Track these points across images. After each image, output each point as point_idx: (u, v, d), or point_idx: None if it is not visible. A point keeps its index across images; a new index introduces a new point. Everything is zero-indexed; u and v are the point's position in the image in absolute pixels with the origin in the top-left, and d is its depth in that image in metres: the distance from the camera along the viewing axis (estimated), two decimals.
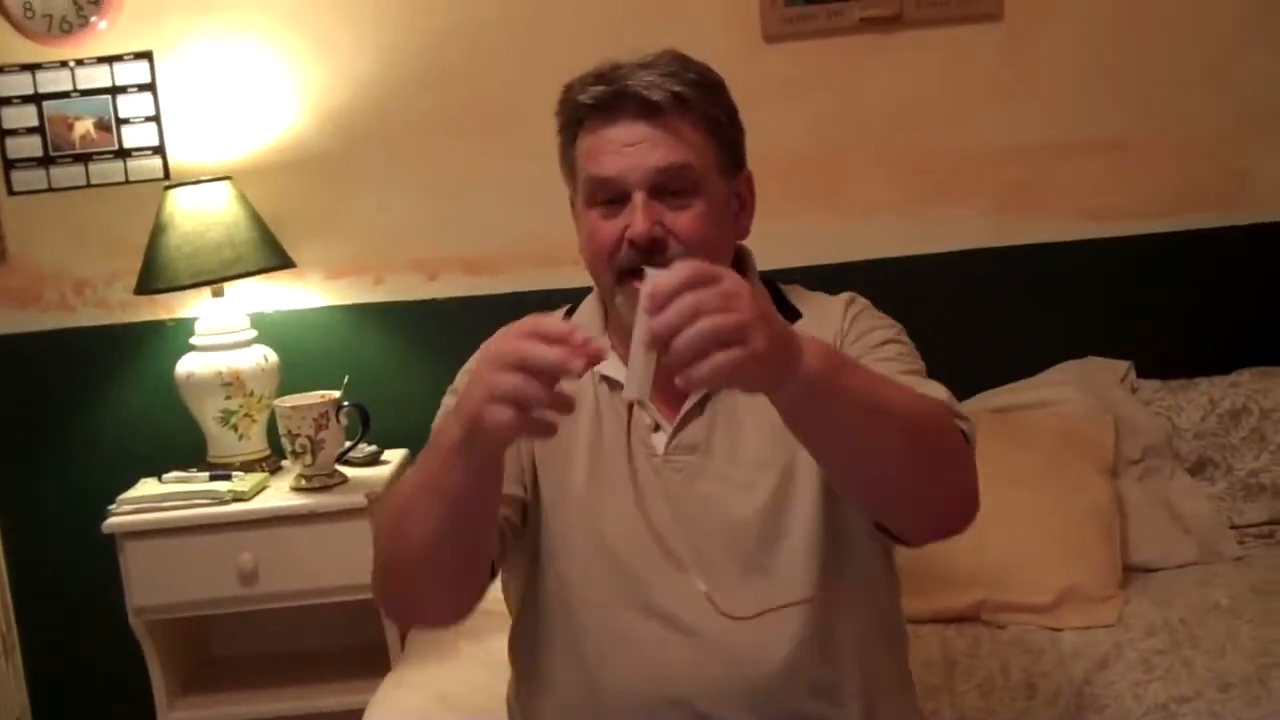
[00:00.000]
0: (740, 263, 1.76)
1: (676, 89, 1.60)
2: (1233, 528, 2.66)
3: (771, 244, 1.84)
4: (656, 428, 1.69)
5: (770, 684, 1.60)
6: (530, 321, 1.25)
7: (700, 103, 1.63)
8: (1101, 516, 2.55)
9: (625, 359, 1.65)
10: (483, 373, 1.25)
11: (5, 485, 3.10)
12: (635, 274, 1.58)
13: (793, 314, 1.74)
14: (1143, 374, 2.87)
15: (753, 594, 1.60)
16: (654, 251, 1.59)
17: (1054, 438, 2.65)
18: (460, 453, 1.32)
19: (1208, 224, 2.95)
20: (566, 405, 1.25)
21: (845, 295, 1.78)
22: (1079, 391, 2.78)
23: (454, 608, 1.57)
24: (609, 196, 1.62)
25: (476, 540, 1.48)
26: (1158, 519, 2.64)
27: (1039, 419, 2.71)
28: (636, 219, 1.59)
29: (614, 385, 1.71)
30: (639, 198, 1.60)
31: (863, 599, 1.66)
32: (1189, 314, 2.96)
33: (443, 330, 2.91)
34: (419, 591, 1.53)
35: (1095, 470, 2.62)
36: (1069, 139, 2.94)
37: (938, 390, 1.58)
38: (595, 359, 1.24)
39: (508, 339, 1.24)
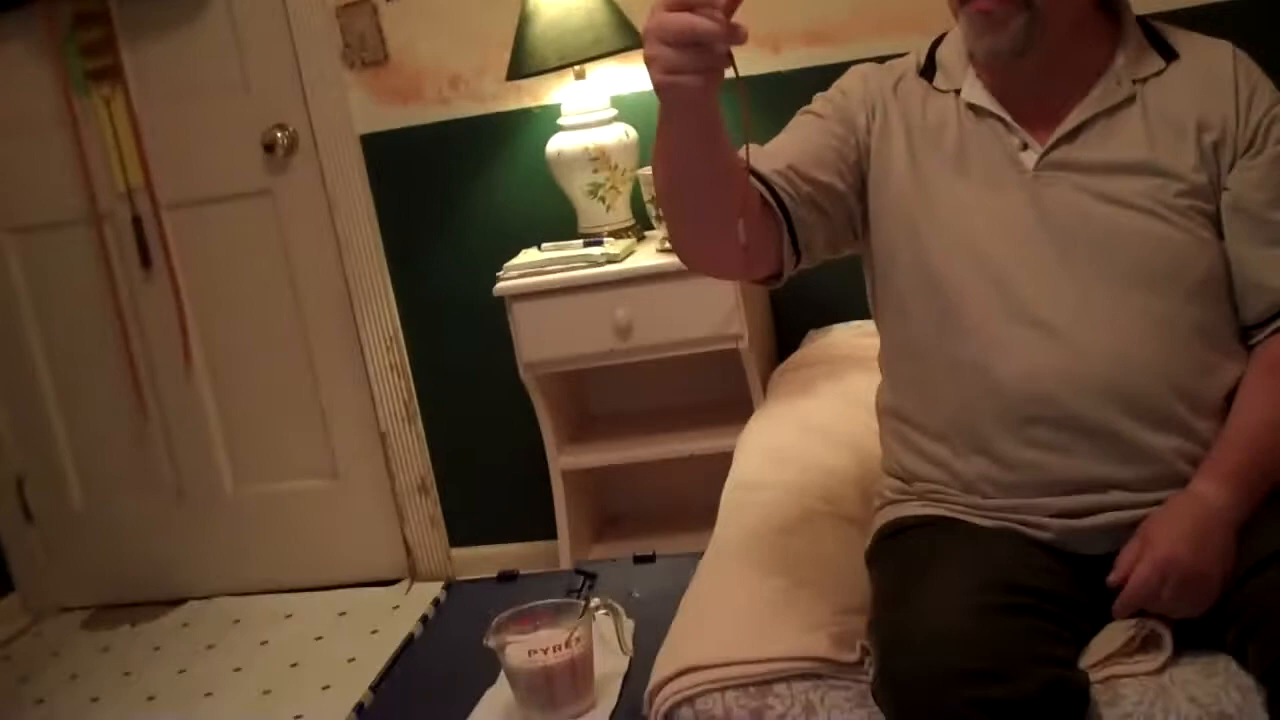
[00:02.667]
0: (1111, 1, 1.81)
1: None
2: None
3: None
4: (1024, 147, 1.77)
5: (1137, 383, 1.68)
6: None
7: None
8: None
9: (988, 84, 1.78)
10: (647, 45, 1.44)
11: (400, 264, 3.42)
12: None
13: (1169, 53, 1.79)
14: None
15: (1117, 304, 1.70)
16: None
17: None
18: (663, 113, 1.55)
19: None
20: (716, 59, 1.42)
21: (1229, 46, 1.81)
22: None
23: (718, 254, 1.75)
24: None
25: (704, 184, 1.63)
26: None
27: None
28: None
29: (979, 112, 1.80)
30: None
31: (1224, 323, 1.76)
32: None
33: (787, 102, 3.02)
34: (676, 231, 1.75)
35: None
36: None
37: None
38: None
39: (655, 13, 1.42)
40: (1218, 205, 1.75)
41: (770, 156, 1.77)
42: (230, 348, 3.62)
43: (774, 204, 1.74)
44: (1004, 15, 1.69)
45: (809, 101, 1.92)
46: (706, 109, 1.52)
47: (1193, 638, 1.63)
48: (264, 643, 3.41)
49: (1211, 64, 1.78)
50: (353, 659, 3.18)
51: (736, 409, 2.91)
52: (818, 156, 1.80)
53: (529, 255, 3.08)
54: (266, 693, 3.15)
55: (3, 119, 3.57)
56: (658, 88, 1.46)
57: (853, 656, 1.70)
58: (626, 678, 1.95)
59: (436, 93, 3.30)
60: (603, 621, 1.98)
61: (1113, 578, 1.61)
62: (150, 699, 3.22)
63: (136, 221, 3.53)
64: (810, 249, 1.79)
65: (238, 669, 3.29)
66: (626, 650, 1.97)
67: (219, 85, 3.44)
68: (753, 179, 1.71)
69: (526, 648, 1.85)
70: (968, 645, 1.50)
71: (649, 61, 1.44)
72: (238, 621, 3.55)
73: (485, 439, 3.47)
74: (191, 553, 3.74)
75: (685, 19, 1.40)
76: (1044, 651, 1.55)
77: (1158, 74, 1.78)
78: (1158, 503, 1.66)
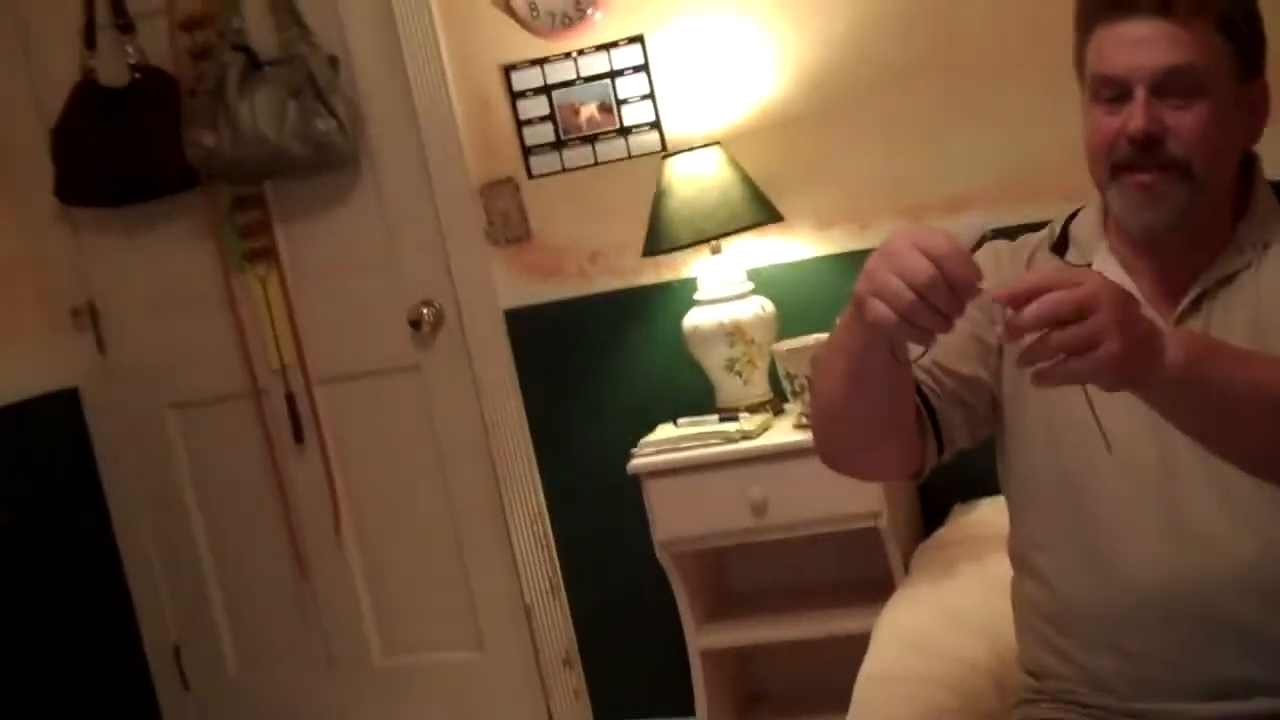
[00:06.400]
0: (1247, 169, 1.76)
1: None
2: None
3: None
4: None
5: (1266, 573, 1.60)
6: (930, 236, 1.35)
7: (1220, 2, 1.62)
8: None
9: (1121, 260, 1.73)
10: (876, 262, 1.38)
11: (543, 438, 3.44)
12: (1131, 169, 1.64)
13: None
14: None
15: (1256, 490, 1.61)
16: (1151, 149, 1.62)
17: None
18: (855, 321, 1.47)
19: None
20: (941, 324, 1.36)
21: None
22: None
23: (875, 462, 1.74)
24: (1113, 94, 1.65)
25: (880, 398, 1.59)
26: None
27: None
28: (1135, 115, 1.62)
29: None
30: (1140, 94, 1.62)
31: None
32: None
33: None
34: (835, 440, 1.70)
35: None
36: None
37: None
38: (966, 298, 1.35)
39: (903, 240, 1.36)
40: None
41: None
42: (379, 520, 3.67)
43: (920, 403, 1.71)
44: (1165, 189, 1.64)
45: None
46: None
47: None
48: None
49: None
50: None
51: (878, 587, 2.84)
52: (960, 348, 1.75)
53: (665, 430, 3.07)
54: None
55: (169, 296, 3.72)
56: (859, 302, 1.41)
57: None
58: None
59: (577, 268, 3.35)
60: None
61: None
62: None
63: (290, 397, 3.62)
64: (953, 443, 1.76)
65: None
66: None
67: (367, 263, 3.53)
68: None
69: None
70: None
71: (869, 269, 1.40)
72: None
73: (627, 614, 3.44)
74: (338, 718, 3.75)
75: (929, 275, 1.35)
76: None
77: None
78: None
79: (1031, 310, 1.34)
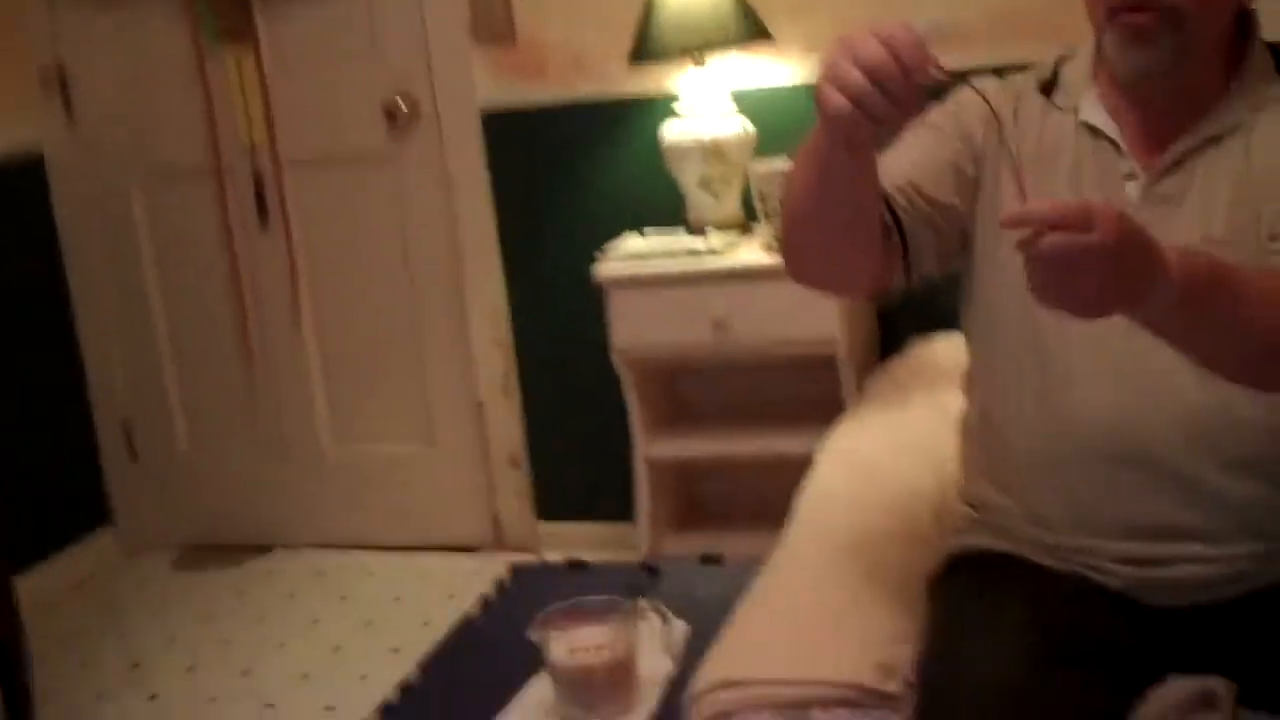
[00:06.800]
0: (1244, 27, 1.73)
1: None
2: None
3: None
4: (1131, 176, 1.71)
5: (1230, 430, 1.62)
6: (885, 26, 1.35)
7: None
8: None
9: (1110, 108, 1.72)
10: (833, 52, 1.36)
11: (510, 240, 3.44)
12: (1127, 9, 1.62)
13: None
14: None
15: (1176, 356, 1.59)
16: None
17: None
18: (819, 120, 1.45)
19: None
20: (894, 112, 1.35)
21: None
22: None
23: (839, 275, 1.73)
24: None
25: (844, 201, 1.58)
26: None
27: None
28: None
29: (1096, 133, 1.74)
30: None
31: None
32: None
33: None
34: (801, 249, 1.69)
35: None
36: None
37: None
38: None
39: (859, 31, 1.35)
40: None
41: (889, 172, 1.71)
42: (339, 309, 3.67)
43: (891, 222, 1.71)
44: (1157, 32, 1.62)
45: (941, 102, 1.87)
46: (873, 137, 1.47)
47: (1253, 698, 1.58)
48: (343, 598, 3.47)
49: None
50: (426, 623, 3.21)
51: (830, 412, 2.84)
52: (937, 174, 1.75)
53: (633, 241, 3.07)
54: (337, 649, 3.20)
55: (141, 67, 3.65)
56: (819, 98, 1.40)
57: (895, 688, 1.67)
58: (673, 682, 1.93)
59: (559, 72, 3.31)
60: (653, 623, 1.97)
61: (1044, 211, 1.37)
62: (225, 643, 3.29)
63: (257, 178, 3.59)
64: (920, 266, 1.76)
65: (315, 621, 3.35)
66: (672, 656, 1.96)
67: (347, 51, 3.48)
68: None
69: (568, 644, 1.84)
70: (1015, 698, 1.47)
71: (825, 64, 1.38)
72: (321, 574, 3.62)
73: (579, 419, 3.48)
74: (285, 503, 3.81)
75: (889, 65, 1.34)
76: (1096, 706, 1.51)
77: (1276, 102, 1.70)
78: (1234, 558, 1.61)
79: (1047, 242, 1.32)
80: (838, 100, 1.36)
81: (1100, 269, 1.32)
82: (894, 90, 1.34)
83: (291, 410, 3.76)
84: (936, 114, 1.84)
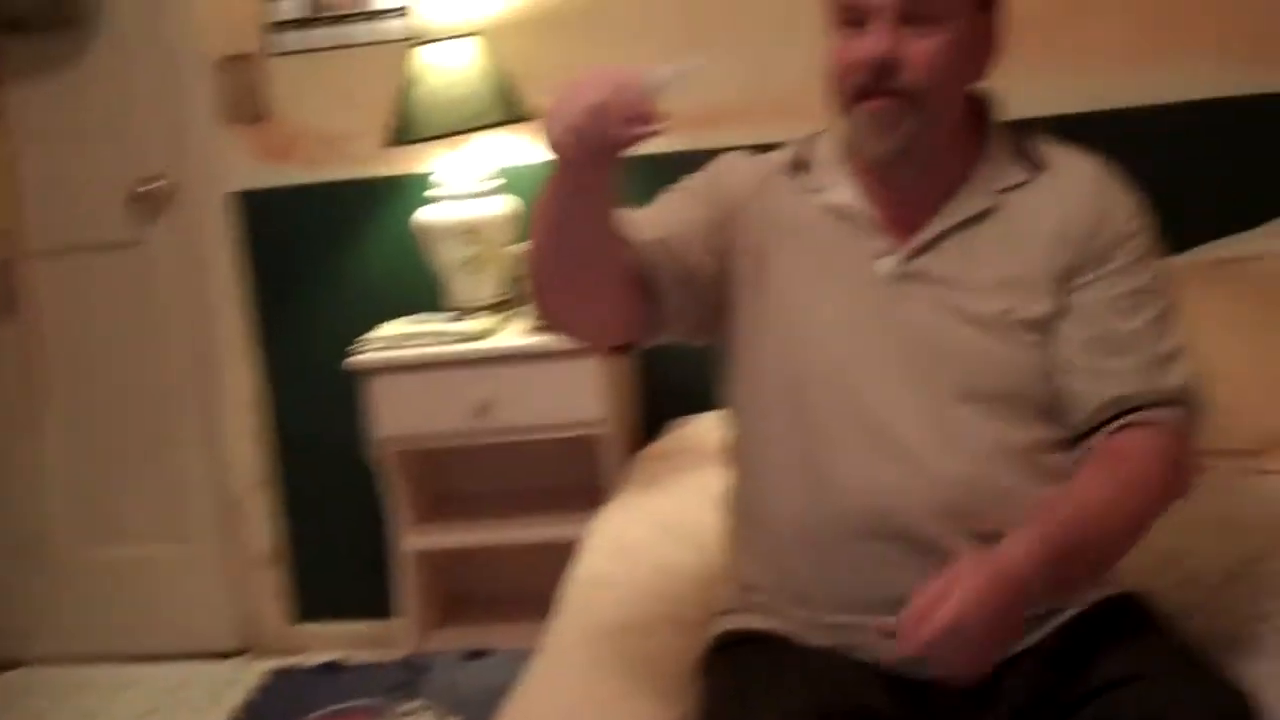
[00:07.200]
0: (981, 107, 1.79)
1: None
2: None
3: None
4: (884, 254, 1.74)
5: (978, 505, 1.64)
6: (614, 67, 1.46)
7: None
8: None
9: (855, 187, 1.74)
10: (562, 89, 1.46)
11: (261, 328, 3.33)
12: (868, 95, 1.65)
13: (1037, 164, 1.76)
14: None
15: (964, 423, 1.66)
16: (887, 75, 1.64)
17: (1273, 284, 2.60)
18: (558, 164, 1.53)
19: None
20: (608, 149, 1.46)
21: (1094, 162, 1.78)
22: None
23: (587, 322, 1.74)
24: (854, 18, 1.66)
25: (582, 243, 1.62)
26: None
27: (1258, 268, 2.66)
28: (874, 41, 1.63)
29: (846, 213, 1.76)
30: (880, 20, 1.63)
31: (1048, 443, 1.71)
32: None
33: (666, 184, 2.99)
34: (543, 287, 1.69)
35: None
36: None
37: (1175, 370, 1.68)
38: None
39: (591, 71, 1.46)
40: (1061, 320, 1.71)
41: (643, 227, 1.72)
42: (85, 401, 3.49)
43: (646, 275, 1.71)
44: (896, 116, 1.66)
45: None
46: (604, 176, 1.54)
47: None
48: (94, 717, 3.27)
49: (1076, 178, 1.75)
50: None
51: (595, 496, 2.83)
52: (690, 236, 1.75)
53: (392, 327, 2.99)
54: None
55: None
56: (548, 140, 1.48)
57: None
58: None
59: (315, 153, 3.24)
60: None
61: (901, 622, 1.50)
62: None
63: (5, 264, 3.42)
64: (674, 325, 1.76)
65: None
66: None
67: (97, 130, 3.36)
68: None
69: None
70: None
71: (554, 103, 1.47)
72: (69, 690, 3.40)
73: (339, 512, 3.36)
74: (27, 614, 3.58)
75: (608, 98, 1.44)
76: None
77: (1021, 185, 1.75)
78: None
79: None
80: (557, 131, 1.45)
81: (972, 640, 1.45)
82: (610, 128, 1.43)
83: (29, 511, 3.54)
84: (694, 179, 1.87)
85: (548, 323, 1.76)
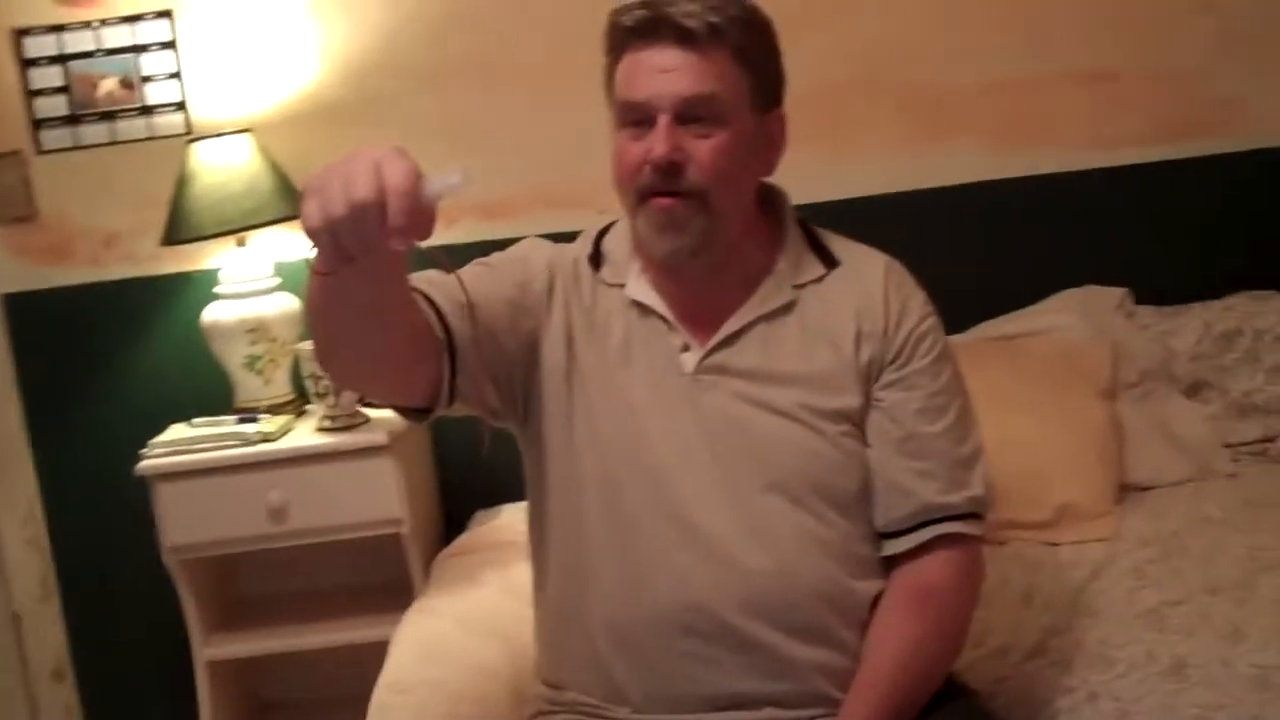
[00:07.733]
0: (771, 203, 1.82)
1: (714, 20, 1.65)
2: (1226, 446, 2.73)
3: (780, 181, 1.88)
4: (686, 348, 1.76)
5: (788, 597, 1.67)
6: (396, 163, 1.26)
7: (737, 35, 1.67)
8: (1099, 438, 2.62)
9: (652, 282, 1.75)
10: (335, 162, 1.27)
11: (41, 434, 3.19)
12: (654, 194, 1.67)
13: (830, 260, 1.80)
14: (1139, 301, 2.94)
15: (770, 515, 1.69)
16: (672, 175, 1.65)
17: (1053, 363, 2.71)
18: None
19: (1199, 152, 3.01)
20: (361, 250, 1.28)
21: (884, 258, 1.83)
22: (1077, 319, 2.85)
23: (372, 376, 1.64)
24: (638, 119, 1.68)
25: (364, 313, 1.49)
26: (1154, 439, 2.70)
27: (1038, 345, 2.78)
28: (658, 142, 1.65)
29: (644, 310, 1.77)
30: (663, 121, 1.65)
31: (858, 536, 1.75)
32: (1182, 241, 3.03)
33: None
34: (321, 342, 1.58)
35: (1093, 394, 2.69)
36: (1062, 71, 3.02)
37: (975, 474, 1.75)
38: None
39: (372, 154, 1.26)
40: (867, 417, 1.75)
41: (446, 289, 1.65)
42: None
43: (442, 335, 1.64)
44: (685, 216, 1.67)
45: None
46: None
47: None
48: None
49: (866, 276, 1.80)
50: None
51: (399, 595, 2.78)
52: (492, 306, 1.71)
53: (179, 431, 2.90)
54: None
55: None
56: (302, 219, 1.29)
57: None
58: None
59: (89, 253, 3.13)
60: None
61: None
62: None
63: None
64: (466, 391, 1.69)
65: None
66: None
67: None
68: (423, 301, 1.62)
69: None
70: None
71: (317, 179, 1.28)
72: None
73: (131, 623, 3.23)
74: None
75: (374, 199, 1.24)
76: None
77: (818, 280, 1.79)
78: None
79: None
80: (312, 210, 1.26)
81: None
82: (366, 232, 1.25)
83: None
84: (498, 259, 1.82)
85: (327, 372, 1.68)
